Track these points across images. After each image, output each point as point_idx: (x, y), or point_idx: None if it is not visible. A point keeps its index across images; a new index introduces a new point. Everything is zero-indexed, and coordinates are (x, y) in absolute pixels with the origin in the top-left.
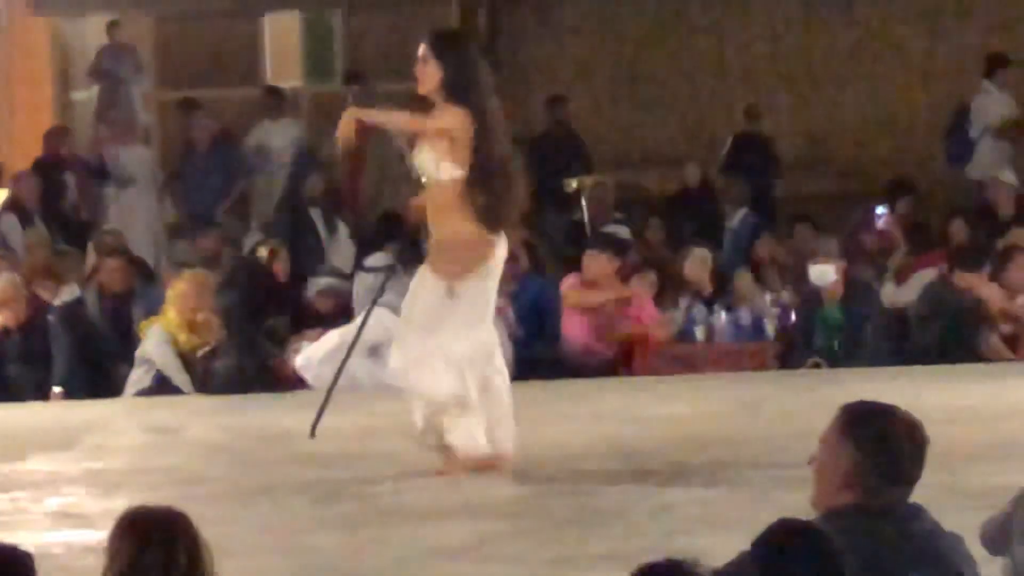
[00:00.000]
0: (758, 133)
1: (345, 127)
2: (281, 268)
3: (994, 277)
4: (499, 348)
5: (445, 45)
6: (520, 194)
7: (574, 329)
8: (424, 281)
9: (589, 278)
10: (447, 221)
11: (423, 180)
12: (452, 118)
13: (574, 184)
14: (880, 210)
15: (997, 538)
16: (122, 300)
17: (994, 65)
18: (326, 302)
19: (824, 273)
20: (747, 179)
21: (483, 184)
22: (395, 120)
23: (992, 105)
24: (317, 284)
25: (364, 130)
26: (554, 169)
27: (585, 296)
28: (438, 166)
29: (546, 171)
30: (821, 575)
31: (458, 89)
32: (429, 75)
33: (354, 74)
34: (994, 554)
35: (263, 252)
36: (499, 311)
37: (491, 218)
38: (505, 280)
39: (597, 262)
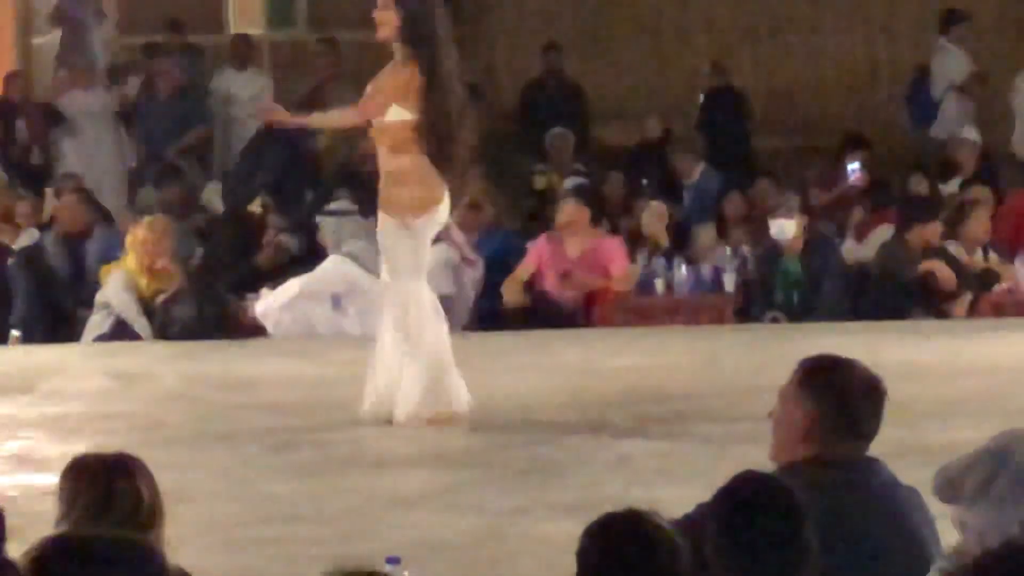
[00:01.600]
0: (730, 87)
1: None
2: (272, 223)
3: (951, 232)
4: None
5: None
6: (468, 144)
7: (539, 279)
8: (385, 230)
9: (563, 222)
10: (397, 157)
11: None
12: (394, 82)
13: (543, 182)
14: (852, 165)
15: (947, 489)
16: (79, 241)
17: (950, 22)
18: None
19: (784, 228)
20: (721, 134)
21: (433, 133)
22: (337, 120)
23: (951, 62)
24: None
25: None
26: (547, 117)
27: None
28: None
29: (539, 119)
30: (783, 528)
31: (415, 36)
32: (387, 20)
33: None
34: (944, 502)
35: (256, 207)
36: (469, 263)
37: (442, 165)
38: (470, 230)
39: (568, 209)
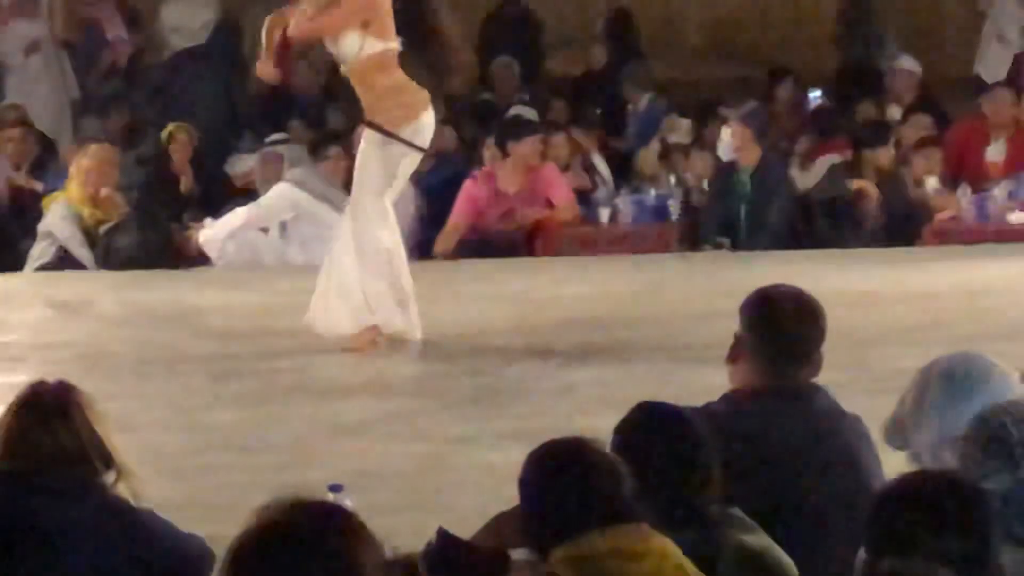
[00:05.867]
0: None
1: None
2: (182, 151)
3: (900, 159)
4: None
5: None
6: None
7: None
8: (367, 140)
9: (519, 164)
10: (376, 82)
11: (343, 66)
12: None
13: None
14: (814, 93)
15: (897, 435)
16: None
17: None
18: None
19: (724, 140)
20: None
21: (420, 48)
22: (315, 27)
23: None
24: (247, 159)
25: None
26: (503, 49)
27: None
28: (361, 46)
29: (495, 50)
30: (679, 458)
31: None
32: None
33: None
34: (898, 449)
35: (164, 135)
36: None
37: (435, 80)
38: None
39: (531, 148)
